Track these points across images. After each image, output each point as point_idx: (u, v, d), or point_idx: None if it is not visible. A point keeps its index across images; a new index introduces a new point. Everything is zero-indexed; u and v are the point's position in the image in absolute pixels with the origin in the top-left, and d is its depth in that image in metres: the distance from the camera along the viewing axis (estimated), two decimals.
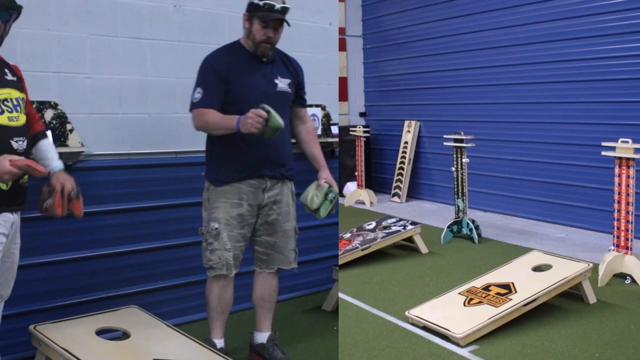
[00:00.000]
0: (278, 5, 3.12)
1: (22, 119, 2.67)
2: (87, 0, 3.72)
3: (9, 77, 2.70)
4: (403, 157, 8.57)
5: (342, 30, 9.27)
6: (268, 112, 2.92)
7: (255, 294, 3.47)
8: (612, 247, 4.65)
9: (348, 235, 5.63)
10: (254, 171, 3.24)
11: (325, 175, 3.37)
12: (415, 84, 8.69)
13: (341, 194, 8.59)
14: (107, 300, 3.75)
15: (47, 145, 2.88)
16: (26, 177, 2.70)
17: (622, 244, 4.57)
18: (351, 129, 8.49)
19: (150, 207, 3.97)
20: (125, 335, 3.26)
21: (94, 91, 3.77)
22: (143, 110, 3.99)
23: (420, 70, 8.58)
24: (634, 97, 5.87)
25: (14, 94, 2.66)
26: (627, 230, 4.54)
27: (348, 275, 4.97)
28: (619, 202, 4.56)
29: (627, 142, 4.45)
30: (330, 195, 3.29)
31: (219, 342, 3.38)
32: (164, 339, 3.23)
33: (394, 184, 8.61)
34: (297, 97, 3.43)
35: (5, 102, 2.59)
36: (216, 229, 3.22)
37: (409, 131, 8.64)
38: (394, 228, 5.55)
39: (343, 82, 9.42)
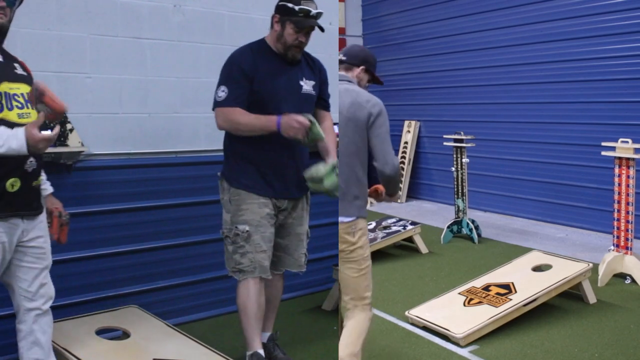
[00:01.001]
0: (314, 11, 3.06)
1: (33, 116, 2.53)
2: (87, 0, 3.71)
3: (19, 71, 2.61)
4: (403, 157, 8.57)
5: (342, 30, 9.27)
6: (312, 122, 2.89)
7: (268, 292, 3.38)
8: (612, 247, 4.65)
9: None
10: (275, 194, 3.15)
11: (334, 156, 3.19)
12: (415, 84, 8.69)
13: None
14: (107, 300, 3.74)
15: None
16: (40, 179, 2.63)
17: (622, 244, 4.57)
18: None
19: (150, 206, 3.96)
20: (125, 335, 3.26)
21: (94, 91, 3.76)
22: (143, 110, 3.99)
23: (420, 70, 8.58)
24: (634, 97, 5.87)
25: (24, 88, 2.56)
26: (627, 230, 4.54)
27: None
28: (619, 202, 4.56)
29: (627, 142, 4.45)
30: (337, 169, 2.99)
31: (262, 351, 3.18)
32: (164, 338, 3.22)
33: None
34: (319, 99, 3.33)
35: (16, 97, 2.49)
36: (247, 231, 3.08)
37: (409, 131, 8.64)
38: (394, 228, 5.55)
39: None
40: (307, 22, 3.04)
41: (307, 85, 3.21)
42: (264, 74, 3.07)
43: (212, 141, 4.24)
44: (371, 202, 8.23)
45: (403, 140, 8.67)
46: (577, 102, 6.44)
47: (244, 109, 3.02)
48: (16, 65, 2.63)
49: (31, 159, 2.52)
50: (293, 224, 3.30)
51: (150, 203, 3.97)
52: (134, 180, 3.89)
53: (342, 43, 9.33)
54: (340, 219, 2.93)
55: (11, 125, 2.40)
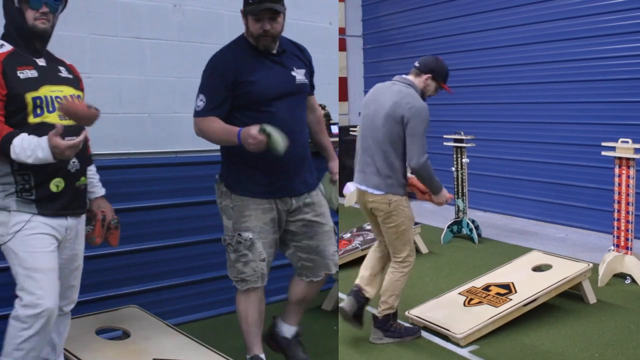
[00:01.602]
0: None
1: None
2: (87, 0, 3.71)
3: (64, 74, 2.66)
4: None
5: (342, 30, 9.27)
6: (269, 135, 2.72)
7: (296, 295, 3.25)
8: (612, 247, 4.65)
9: (348, 235, 5.63)
10: (277, 193, 3.04)
11: (334, 167, 3.32)
12: None
13: (341, 194, 8.59)
14: (107, 299, 3.75)
15: (92, 171, 2.86)
16: (83, 179, 2.67)
17: (622, 244, 4.57)
18: (351, 129, 8.47)
19: (149, 206, 3.97)
20: (125, 335, 3.27)
21: (93, 91, 3.76)
22: (143, 110, 3.99)
23: None
24: (634, 97, 5.86)
25: (68, 91, 2.61)
26: (627, 230, 4.54)
27: (348, 275, 4.96)
28: (619, 202, 4.56)
29: (627, 142, 4.45)
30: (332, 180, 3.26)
31: (264, 356, 3.18)
32: (164, 338, 3.23)
33: None
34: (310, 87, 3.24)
35: (58, 100, 2.54)
36: (250, 239, 2.98)
37: None
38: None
39: (343, 82, 9.42)
40: (260, 7, 2.87)
41: (299, 75, 3.08)
42: (249, 72, 2.94)
43: None
44: None
45: None
46: (577, 102, 6.44)
47: (221, 117, 2.91)
48: (61, 68, 2.68)
49: (74, 159, 2.56)
50: (318, 221, 3.15)
51: (150, 203, 3.97)
52: (134, 180, 3.89)
53: (342, 43, 9.33)
54: (372, 190, 3.50)
55: (52, 127, 2.45)
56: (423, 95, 3.65)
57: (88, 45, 3.73)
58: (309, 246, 3.14)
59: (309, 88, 3.21)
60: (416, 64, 3.63)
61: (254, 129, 2.72)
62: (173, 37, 4.08)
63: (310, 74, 3.21)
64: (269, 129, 2.72)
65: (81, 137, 2.39)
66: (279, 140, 2.71)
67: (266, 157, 2.88)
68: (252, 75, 2.94)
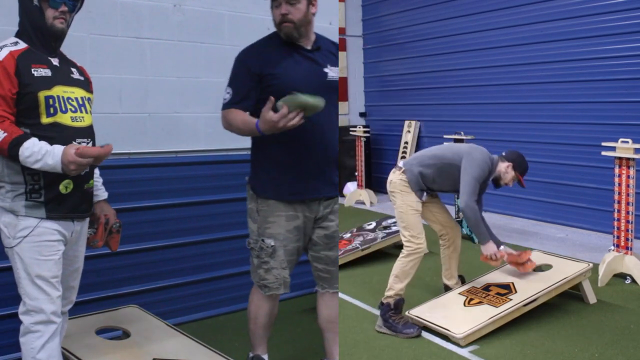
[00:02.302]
0: None
1: (87, 120, 2.60)
2: (87, 0, 3.71)
3: (75, 75, 2.65)
4: (403, 157, 8.56)
5: (342, 30, 9.27)
6: (299, 105, 2.52)
7: (323, 317, 3.12)
8: (612, 247, 4.65)
9: (348, 235, 5.63)
10: (303, 194, 2.97)
11: None
12: (415, 84, 8.69)
13: (341, 194, 8.59)
14: (107, 299, 3.75)
15: (96, 174, 2.86)
16: (91, 182, 2.67)
17: (622, 244, 4.57)
18: (351, 129, 8.49)
19: (149, 206, 3.97)
20: (125, 335, 3.27)
21: (94, 91, 3.76)
22: (143, 109, 3.99)
23: (420, 70, 8.58)
24: (634, 97, 5.87)
25: (79, 92, 2.61)
26: (627, 230, 4.54)
27: (348, 275, 4.96)
28: (619, 202, 4.56)
29: (627, 142, 4.45)
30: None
31: (266, 357, 3.21)
32: (164, 338, 3.23)
33: None
34: None
35: (70, 101, 2.53)
36: (272, 246, 2.95)
37: (409, 131, 8.64)
38: (394, 228, 5.55)
39: (343, 82, 9.42)
40: None
41: (332, 72, 2.98)
42: (274, 66, 2.88)
43: (212, 141, 4.24)
44: (371, 202, 8.24)
45: (403, 140, 8.67)
46: (577, 102, 6.44)
47: (246, 110, 2.88)
48: (73, 70, 2.68)
49: None
50: (336, 232, 3.09)
51: (150, 203, 3.97)
52: (134, 180, 3.89)
53: (342, 43, 9.33)
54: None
55: (64, 128, 2.47)
56: (499, 180, 4.01)
57: (88, 45, 3.72)
58: (327, 257, 3.08)
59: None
60: (503, 153, 4.08)
61: (267, 113, 2.59)
62: (173, 37, 4.08)
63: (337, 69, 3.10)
64: (283, 100, 2.55)
65: (89, 160, 2.39)
66: (310, 100, 2.52)
67: (293, 155, 2.83)
68: (277, 69, 2.88)
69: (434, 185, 3.96)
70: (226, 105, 2.91)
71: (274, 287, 3.00)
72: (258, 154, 3.01)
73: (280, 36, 2.94)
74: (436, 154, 3.98)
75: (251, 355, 3.19)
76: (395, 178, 3.95)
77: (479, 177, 3.81)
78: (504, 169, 3.99)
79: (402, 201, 3.90)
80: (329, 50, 3.05)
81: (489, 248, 3.93)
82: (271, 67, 2.88)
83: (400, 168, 3.96)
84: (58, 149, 2.37)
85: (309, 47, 2.96)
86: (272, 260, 2.96)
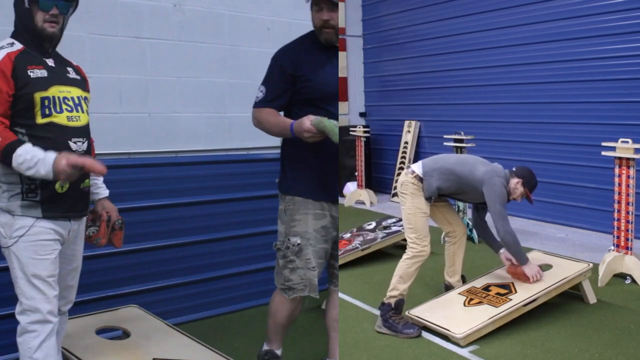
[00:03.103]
0: None
1: (83, 119, 2.61)
2: (87, 0, 3.71)
3: (72, 75, 2.65)
4: (403, 157, 8.56)
5: (342, 30, 9.27)
6: (321, 122, 2.67)
7: (331, 315, 3.15)
8: (612, 247, 4.64)
9: (348, 235, 5.63)
10: (328, 192, 2.98)
11: None
12: (415, 84, 8.69)
13: (341, 194, 8.59)
14: (107, 299, 3.75)
15: None
16: (87, 181, 2.67)
17: (622, 244, 4.56)
18: (351, 129, 8.49)
19: (149, 206, 3.97)
20: (125, 335, 3.26)
21: (93, 91, 3.73)
22: (143, 109, 3.99)
23: (420, 70, 8.58)
24: (634, 97, 5.86)
25: (75, 92, 2.61)
26: (627, 230, 4.54)
27: (348, 275, 4.96)
28: (619, 202, 4.56)
29: (627, 142, 4.45)
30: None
31: (279, 352, 3.23)
32: (164, 338, 3.22)
33: (394, 184, 8.61)
34: None
35: (66, 101, 2.54)
36: (298, 244, 2.88)
37: (409, 131, 8.64)
38: (394, 228, 5.54)
39: (343, 82, 9.42)
40: None
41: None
42: (310, 69, 2.87)
43: (212, 141, 4.24)
44: (371, 202, 8.23)
45: (403, 140, 8.67)
46: (577, 102, 6.44)
47: (279, 109, 2.89)
48: (69, 69, 2.68)
49: None
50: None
51: (150, 203, 3.97)
52: (134, 180, 3.90)
53: (342, 43, 9.33)
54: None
55: (60, 128, 2.48)
56: (509, 195, 3.96)
57: (88, 45, 3.72)
58: (333, 256, 3.12)
59: None
60: (513, 168, 4.09)
61: (307, 123, 2.68)
62: (173, 37, 4.08)
63: None
64: (322, 123, 2.67)
65: (82, 163, 2.39)
66: (329, 124, 2.67)
67: (322, 156, 2.84)
68: (312, 71, 2.87)
69: (453, 196, 4.08)
70: (258, 104, 2.92)
71: (298, 289, 2.92)
72: (289, 153, 3.00)
73: (314, 38, 2.94)
74: (455, 170, 3.93)
75: (265, 348, 3.18)
76: (407, 180, 3.93)
77: (502, 202, 3.86)
78: (514, 185, 3.97)
79: (412, 203, 3.90)
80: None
81: (532, 269, 3.95)
82: (306, 69, 2.87)
83: (414, 172, 3.94)
84: (50, 157, 2.37)
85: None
86: (298, 260, 2.89)
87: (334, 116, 2.84)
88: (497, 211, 3.84)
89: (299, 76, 2.87)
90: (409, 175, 3.95)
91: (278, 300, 3.07)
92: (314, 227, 2.91)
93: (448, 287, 4.30)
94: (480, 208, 4.19)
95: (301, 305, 3.12)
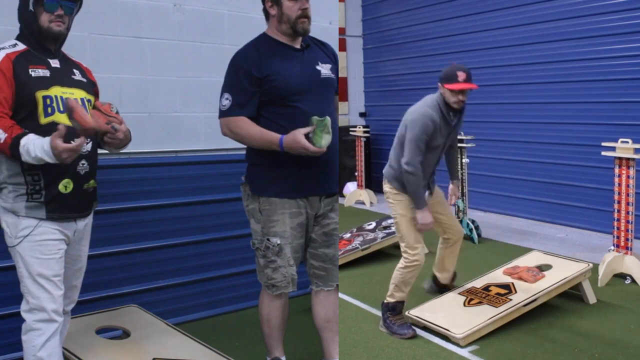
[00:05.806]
0: None
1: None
2: (87, 0, 3.71)
3: (77, 77, 2.65)
4: None
5: (342, 30, 9.27)
6: (315, 132, 2.72)
7: (319, 316, 3.10)
8: (612, 247, 4.65)
9: (348, 235, 5.63)
10: (305, 191, 2.96)
11: None
12: (415, 84, 8.68)
13: (341, 194, 8.59)
14: (107, 299, 3.75)
15: None
16: (92, 181, 2.67)
17: (622, 244, 4.57)
18: (351, 129, 8.49)
19: (149, 206, 3.97)
20: (125, 335, 3.26)
21: None
22: (143, 109, 3.99)
23: (420, 70, 8.57)
24: (634, 97, 5.86)
25: (79, 94, 2.60)
26: (627, 230, 4.54)
27: (348, 275, 4.96)
28: (619, 202, 4.56)
29: (627, 142, 4.45)
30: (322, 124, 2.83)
31: (284, 359, 3.21)
32: (164, 338, 3.23)
33: None
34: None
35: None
36: (278, 244, 2.92)
37: None
38: (394, 228, 5.55)
39: (343, 82, 9.42)
40: None
41: (324, 69, 2.99)
42: (274, 69, 2.86)
43: (212, 141, 4.24)
44: (371, 202, 8.23)
45: None
46: (577, 102, 6.44)
47: (251, 117, 2.85)
48: (76, 71, 2.68)
49: (83, 161, 2.58)
50: (337, 229, 3.08)
51: (150, 202, 3.97)
52: (134, 180, 3.90)
53: (342, 43, 9.33)
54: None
55: None
56: (450, 105, 3.69)
57: (88, 44, 3.72)
58: (325, 255, 3.07)
59: (336, 83, 3.10)
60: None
61: (301, 138, 2.71)
62: (173, 36, 4.08)
63: (336, 69, 3.10)
64: (318, 136, 2.72)
65: (78, 142, 2.34)
66: (324, 135, 2.73)
67: (297, 155, 2.80)
68: (276, 70, 2.86)
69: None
70: (227, 112, 2.86)
71: (282, 286, 2.98)
72: (257, 154, 2.96)
73: (266, 38, 2.95)
74: (397, 141, 3.80)
75: (269, 358, 3.17)
76: (386, 190, 3.85)
77: (418, 137, 3.59)
78: (440, 95, 3.73)
79: (395, 211, 3.78)
80: (316, 46, 3.06)
81: (426, 217, 3.67)
82: (270, 70, 2.86)
83: (384, 178, 3.86)
84: (47, 141, 2.31)
85: (298, 47, 2.97)
86: (279, 259, 2.94)
87: (301, 111, 2.84)
88: (406, 150, 3.60)
89: (264, 77, 2.85)
90: (385, 184, 3.85)
91: (267, 302, 3.07)
92: (291, 225, 2.94)
93: (435, 281, 4.31)
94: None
95: (288, 306, 3.13)
